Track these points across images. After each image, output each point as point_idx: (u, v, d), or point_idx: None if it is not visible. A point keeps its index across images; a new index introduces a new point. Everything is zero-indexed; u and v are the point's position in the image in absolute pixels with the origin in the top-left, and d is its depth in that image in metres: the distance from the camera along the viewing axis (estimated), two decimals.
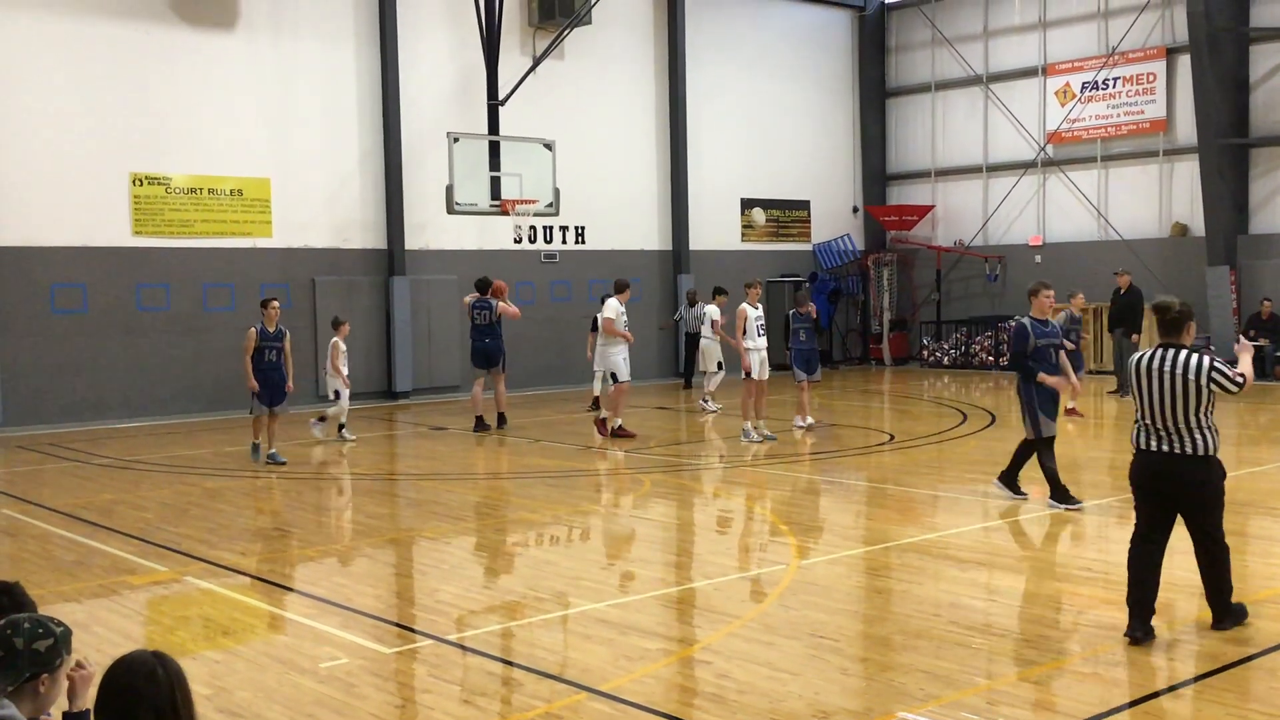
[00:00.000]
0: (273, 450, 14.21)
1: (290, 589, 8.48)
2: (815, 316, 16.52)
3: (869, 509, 11.40)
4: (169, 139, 18.96)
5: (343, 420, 16.28)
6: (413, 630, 7.39)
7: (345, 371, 16.03)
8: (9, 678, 3.44)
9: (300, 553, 9.60)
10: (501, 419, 16.99)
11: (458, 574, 8.82)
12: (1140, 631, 6.69)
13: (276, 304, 14.47)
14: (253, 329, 14.20)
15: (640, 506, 11.84)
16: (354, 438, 16.30)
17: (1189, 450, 6.70)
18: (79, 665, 3.73)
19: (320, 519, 11.36)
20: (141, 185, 18.76)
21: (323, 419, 16.25)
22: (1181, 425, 6.69)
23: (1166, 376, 6.70)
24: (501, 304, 16.97)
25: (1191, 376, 6.64)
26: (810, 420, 16.35)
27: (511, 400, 20.13)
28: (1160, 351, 6.82)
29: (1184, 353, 6.76)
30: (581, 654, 6.75)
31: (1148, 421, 6.81)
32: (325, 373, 16.63)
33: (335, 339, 16.11)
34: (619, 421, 15.82)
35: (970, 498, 11.63)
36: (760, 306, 15.94)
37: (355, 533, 10.37)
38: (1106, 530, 10.24)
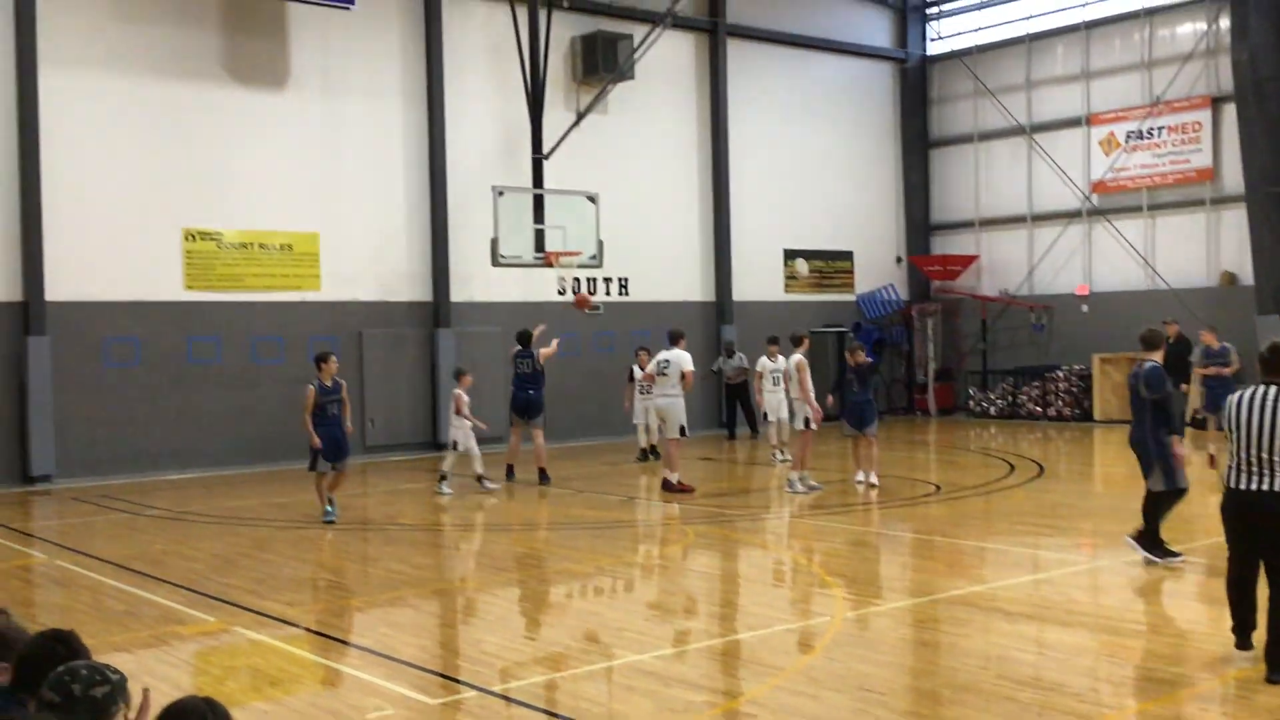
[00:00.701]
0: (329, 507, 13.71)
1: (337, 639, 8.53)
2: (864, 366, 15.59)
3: (916, 560, 11.30)
4: (221, 195, 19.33)
5: (479, 469, 15.91)
6: (458, 681, 7.40)
7: (469, 423, 15.69)
8: None
9: (346, 603, 9.65)
10: (543, 475, 16.61)
11: (502, 625, 8.83)
12: (1243, 646, 7.12)
13: (334, 358, 14.07)
14: (311, 387, 13.67)
15: (685, 557, 11.81)
16: (496, 485, 15.96)
17: (1278, 487, 6.74)
18: (144, 694, 3.79)
19: (366, 569, 11.42)
20: (194, 241, 19.12)
21: (444, 478, 15.87)
22: (1276, 460, 6.76)
23: (1267, 412, 6.78)
24: (543, 350, 16.98)
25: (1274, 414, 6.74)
26: (873, 478, 15.37)
27: (554, 452, 20.19)
28: (1262, 389, 6.91)
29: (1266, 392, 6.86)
30: (626, 706, 6.73)
31: (1242, 457, 6.87)
32: (449, 424, 16.33)
33: (458, 390, 15.85)
34: (677, 475, 15.56)
35: (1019, 549, 11.51)
36: (779, 359, 16.26)
37: (401, 583, 10.42)
38: (1158, 583, 10.08)
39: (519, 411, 17.01)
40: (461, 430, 15.76)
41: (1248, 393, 6.95)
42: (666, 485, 15.39)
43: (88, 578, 10.82)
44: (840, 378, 16.14)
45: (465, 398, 15.78)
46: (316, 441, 13.46)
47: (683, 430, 15.54)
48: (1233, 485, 6.95)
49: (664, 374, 15.75)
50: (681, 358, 15.71)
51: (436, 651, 8.39)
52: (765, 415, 17.99)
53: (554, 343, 17.41)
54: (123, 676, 3.63)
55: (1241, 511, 6.91)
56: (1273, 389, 6.86)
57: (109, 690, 3.55)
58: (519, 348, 17.14)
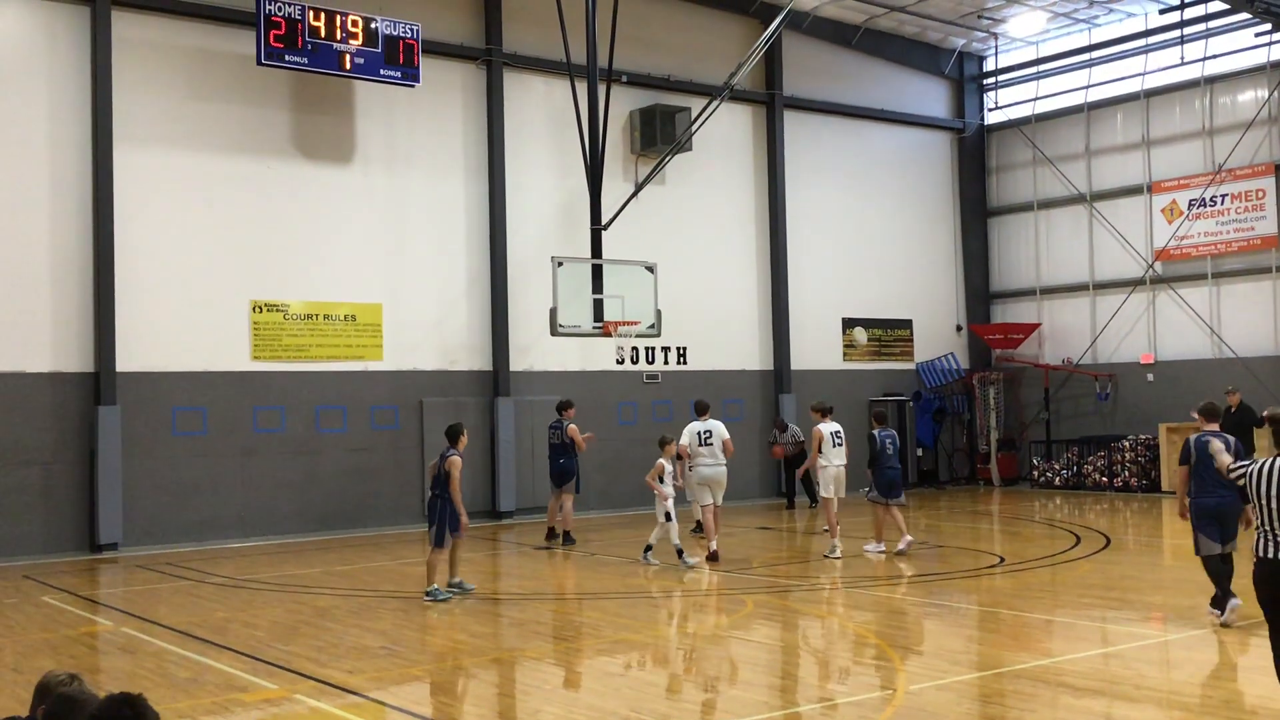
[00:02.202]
0: (458, 579, 13.48)
1: (396, 708, 8.54)
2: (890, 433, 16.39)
3: (980, 633, 11.12)
4: (287, 267, 19.74)
5: (675, 542, 15.09)
6: None
7: (670, 491, 15.05)
8: None
9: (406, 671, 9.67)
10: (567, 537, 17.53)
11: (560, 694, 8.80)
12: None
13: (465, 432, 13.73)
14: (457, 457, 13.27)
15: (743, 628, 11.71)
16: (694, 561, 15.04)
17: None
18: None
19: (425, 638, 11.44)
20: (261, 312, 19.50)
21: (649, 548, 15.44)
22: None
23: (1275, 481, 6.84)
24: (572, 427, 17.55)
25: None
26: (909, 538, 15.94)
27: (610, 520, 20.20)
28: (1278, 459, 6.96)
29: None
30: None
31: (1268, 528, 6.86)
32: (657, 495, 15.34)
33: (662, 460, 15.23)
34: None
35: (1086, 623, 11.29)
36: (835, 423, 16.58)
37: (459, 652, 10.43)
38: (1230, 657, 9.84)
39: (552, 479, 17.95)
40: (664, 500, 15.08)
41: (1266, 462, 7.01)
42: (712, 556, 15.42)
43: (152, 644, 10.95)
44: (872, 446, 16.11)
45: (668, 466, 15.24)
46: (465, 517, 13.23)
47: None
48: (1262, 554, 6.96)
49: (709, 444, 15.88)
50: (720, 427, 16.05)
51: None
52: (817, 484, 17.33)
53: (586, 435, 17.89)
54: None
55: (1269, 580, 6.91)
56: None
57: None
58: (556, 418, 17.93)
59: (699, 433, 16.07)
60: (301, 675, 9.45)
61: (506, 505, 21.44)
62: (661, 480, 15.13)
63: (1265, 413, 7.42)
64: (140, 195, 18.57)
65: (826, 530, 17.41)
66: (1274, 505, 6.83)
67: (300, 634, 11.30)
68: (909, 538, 15.99)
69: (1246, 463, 7.27)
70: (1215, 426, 10.71)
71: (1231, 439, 10.18)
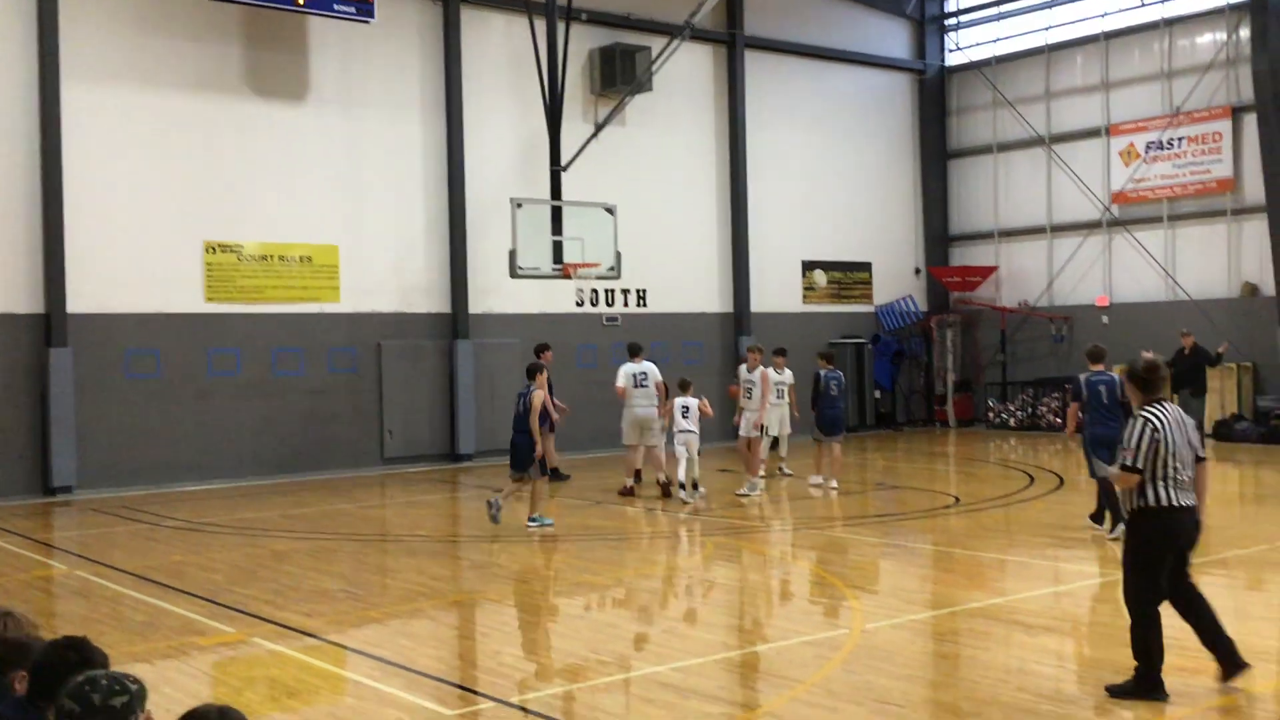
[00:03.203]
0: (537, 514, 13.73)
1: (355, 650, 8.54)
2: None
3: (935, 573, 11.26)
4: (241, 208, 19.44)
5: (681, 478, 15.46)
6: (475, 692, 7.40)
7: (678, 426, 15.40)
8: None
9: (365, 614, 9.67)
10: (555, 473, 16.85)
11: (520, 636, 8.83)
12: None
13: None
14: (539, 392, 13.59)
15: (702, 569, 11.79)
16: (690, 499, 15.38)
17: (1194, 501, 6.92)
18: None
19: (385, 581, 11.44)
20: (214, 253, 19.22)
21: (684, 487, 15.53)
22: (1191, 477, 6.89)
23: (1185, 430, 6.90)
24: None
25: (1194, 427, 7.00)
26: (820, 478, 16.62)
27: (574, 462, 20.23)
28: (1169, 406, 6.99)
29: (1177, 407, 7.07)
30: (643, 717, 6.72)
31: (1179, 477, 6.81)
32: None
33: (679, 399, 15.64)
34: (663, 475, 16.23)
35: (1040, 562, 11.45)
36: (786, 372, 17.35)
37: (419, 594, 10.43)
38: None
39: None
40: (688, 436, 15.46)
41: (1166, 411, 6.92)
42: (664, 488, 16.04)
43: (108, 588, 10.87)
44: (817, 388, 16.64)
45: (680, 402, 15.68)
46: (541, 450, 13.59)
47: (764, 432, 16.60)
48: (1177, 504, 6.86)
49: (643, 385, 16.24)
50: (653, 369, 16.40)
51: (454, 663, 8.40)
52: (764, 429, 16.95)
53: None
54: (141, 686, 3.65)
55: (1190, 526, 6.94)
56: (1174, 406, 7.07)
57: (128, 700, 3.57)
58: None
59: (634, 375, 16.32)
60: (259, 618, 9.42)
61: (466, 448, 21.40)
62: (683, 417, 15.49)
63: (1123, 367, 7.34)
64: (89, 134, 18.18)
65: (784, 472, 17.71)
66: (1185, 453, 6.81)
67: (258, 577, 11.26)
68: (819, 477, 16.53)
69: (1149, 421, 6.80)
70: (1100, 368, 12.42)
71: (1116, 377, 11.97)
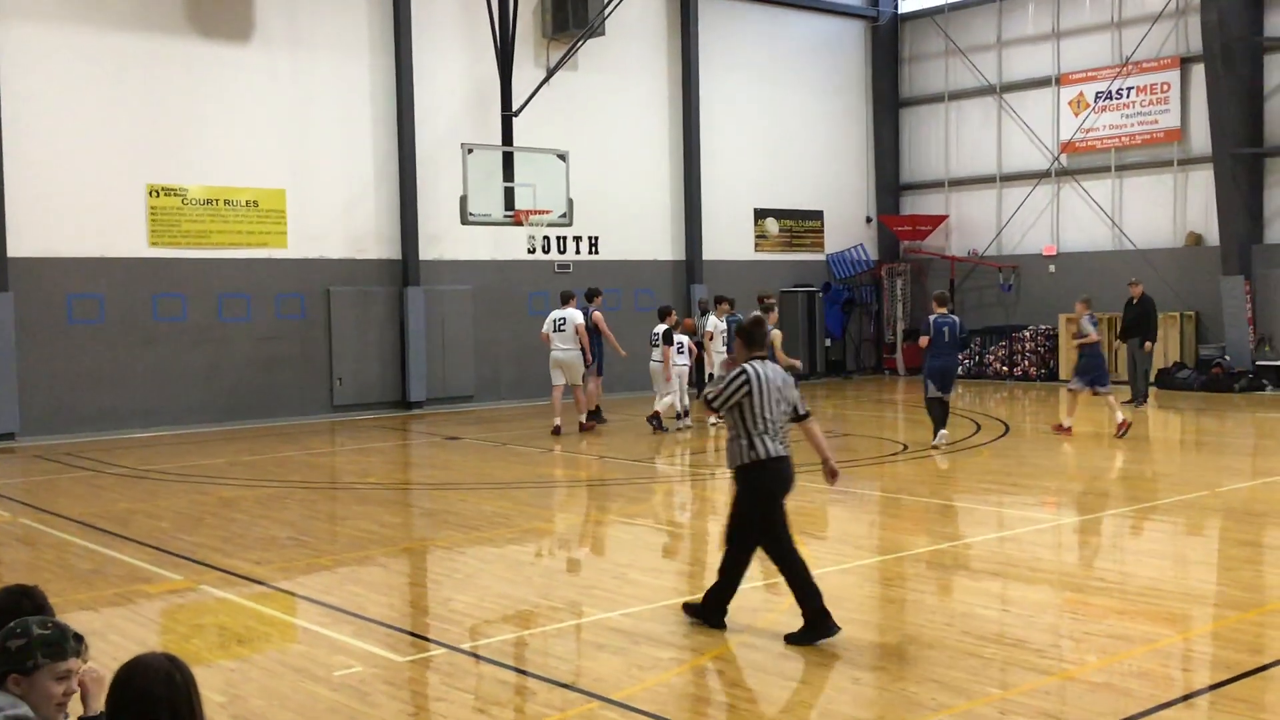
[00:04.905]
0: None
1: (304, 598, 8.52)
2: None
3: (882, 519, 11.40)
4: (185, 150, 19.08)
5: (679, 407, 17.53)
6: (426, 639, 7.42)
7: (674, 362, 17.39)
8: None
9: (314, 561, 9.64)
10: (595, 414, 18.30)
11: (471, 583, 8.85)
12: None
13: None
14: (599, 313, 18.02)
15: (652, 515, 11.86)
16: (669, 428, 17.38)
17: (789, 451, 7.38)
18: (90, 668, 3.77)
19: (334, 528, 11.41)
20: (158, 197, 18.88)
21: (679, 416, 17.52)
22: (786, 430, 7.36)
23: (780, 385, 7.27)
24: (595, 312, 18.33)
25: (785, 382, 7.37)
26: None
27: (522, 410, 20.22)
28: (770, 365, 7.36)
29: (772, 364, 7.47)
30: (594, 663, 6.77)
31: (775, 429, 7.23)
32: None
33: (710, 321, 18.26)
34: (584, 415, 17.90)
35: (984, 508, 11.62)
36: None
37: (369, 542, 10.42)
38: (1121, 540, 10.23)
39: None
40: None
41: (761, 368, 7.25)
42: (583, 426, 17.67)
43: (53, 536, 10.76)
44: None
45: (719, 326, 18.01)
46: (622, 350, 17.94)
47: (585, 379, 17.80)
48: (772, 454, 7.22)
49: (561, 330, 17.49)
50: (575, 314, 17.57)
51: (405, 610, 8.40)
52: (712, 375, 17.64)
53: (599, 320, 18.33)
54: (55, 633, 3.58)
55: (790, 475, 7.34)
56: (770, 364, 7.38)
57: (24, 644, 3.53)
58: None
59: (554, 320, 17.62)
60: (207, 566, 9.37)
61: (417, 395, 21.30)
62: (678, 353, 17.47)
63: (748, 320, 7.67)
64: (27, 73, 17.72)
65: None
66: (778, 408, 7.20)
67: (205, 524, 11.18)
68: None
69: (745, 374, 7.20)
70: (945, 311, 15.37)
71: (957, 320, 15.50)
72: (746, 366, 7.27)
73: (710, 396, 7.32)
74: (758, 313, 7.48)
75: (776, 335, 15.28)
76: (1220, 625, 7.15)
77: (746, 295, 21.52)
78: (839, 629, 6.99)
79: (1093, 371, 16.17)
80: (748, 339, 7.42)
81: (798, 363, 17.51)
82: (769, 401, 7.19)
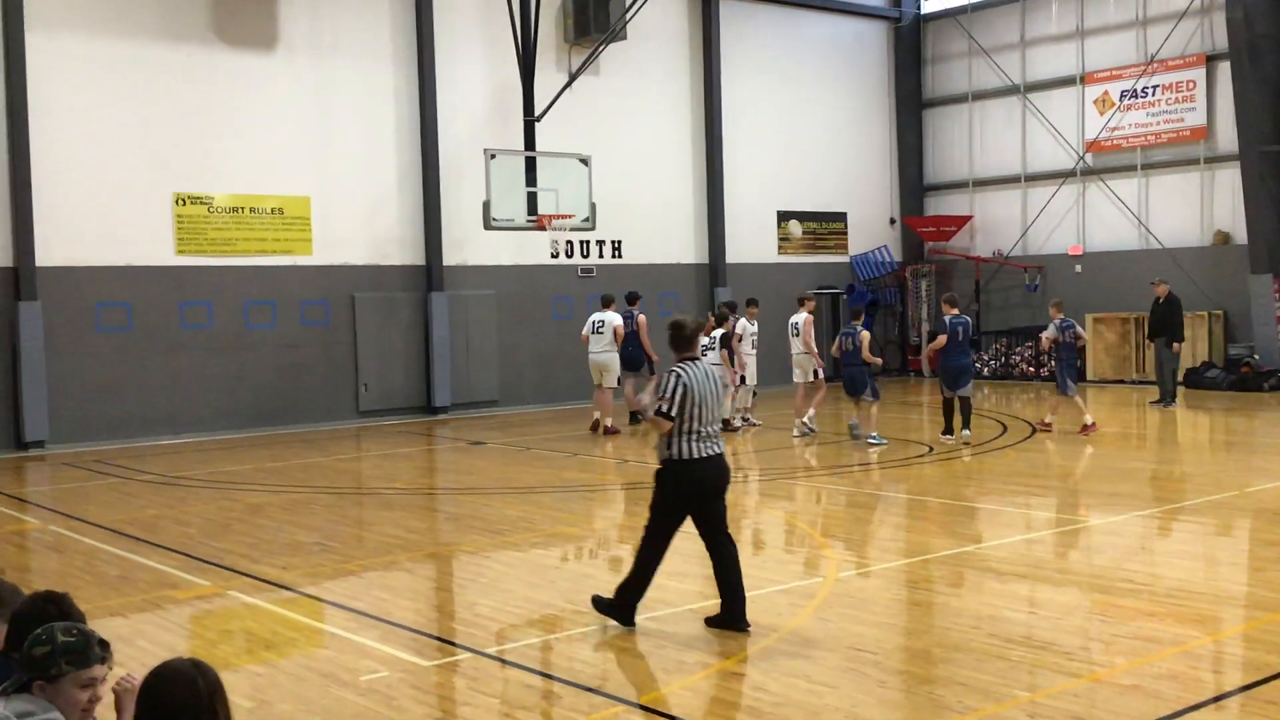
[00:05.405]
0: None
1: (331, 603, 8.55)
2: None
3: (908, 521, 11.35)
4: (211, 159, 19.21)
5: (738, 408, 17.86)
6: (452, 644, 7.43)
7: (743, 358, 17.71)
8: (12, 678, 3.54)
9: (341, 567, 9.68)
10: (632, 417, 18.47)
11: (497, 587, 8.86)
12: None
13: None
14: (643, 315, 18.27)
15: None
16: (740, 425, 17.82)
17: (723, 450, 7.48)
18: (125, 678, 3.79)
19: (360, 533, 11.45)
20: (184, 205, 19.02)
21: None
22: (717, 430, 7.41)
23: (712, 384, 7.34)
24: (617, 327, 18.16)
25: (720, 384, 7.49)
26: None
27: (544, 415, 20.25)
28: (701, 364, 7.40)
29: (707, 365, 7.53)
30: (620, 667, 6.77)
31: (704, 430, 7.27)
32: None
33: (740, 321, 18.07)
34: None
35: (1011, 510, 11.56)
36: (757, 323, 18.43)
37: (395, 547, 10.45)
38: (1149, 542, 10.15)
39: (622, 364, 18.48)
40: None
41: (694, 369, 7.32)
42: (604, 429, 17.81)
43: (82, 543, 10.84)
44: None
45: (742, 329, 18.00)
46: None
47: (620, 381, 17.83)
48: (705, 454, 7.31)
49: (599, 332, 18.04)
50: (613, 317, 18.02)
51: (431, 614, 8.43)
52: (743, 378, 17.91)
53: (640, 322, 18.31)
54: (80, 640, 3.59)
55: (720, 475, 7.45)
56: (703, 365, 7.44)
57: (49, 651, 3.55)
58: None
59: (593, 322, 18.23)
60: (235, 571, 9.42)
61: (441, 400, 21.36)
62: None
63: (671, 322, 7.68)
64: (56, 84, 17.88)
65: (755, 425, 18.11)
66: (710, 406, 7.24)
67: (232, 531, 11.24)
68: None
69: (680, 375, 7.25)
70: (956, 311, 16.00)
71: (969, 320, 16.24)
72: (679, 368, 7.35)
73: (665, 410, 7.21)
74: (680, 316, 7.54)
75: (865, 335, 16.19)
76: (1251, 626, 7.08)
77: (770, 298, 21.52)
78: (633, 626, 7.37)
79: (1067, 372, 16.92)
80: (673, 342, 7.50)
81: (879, 360, 17.67)
82: (697, 402, 7.23)
